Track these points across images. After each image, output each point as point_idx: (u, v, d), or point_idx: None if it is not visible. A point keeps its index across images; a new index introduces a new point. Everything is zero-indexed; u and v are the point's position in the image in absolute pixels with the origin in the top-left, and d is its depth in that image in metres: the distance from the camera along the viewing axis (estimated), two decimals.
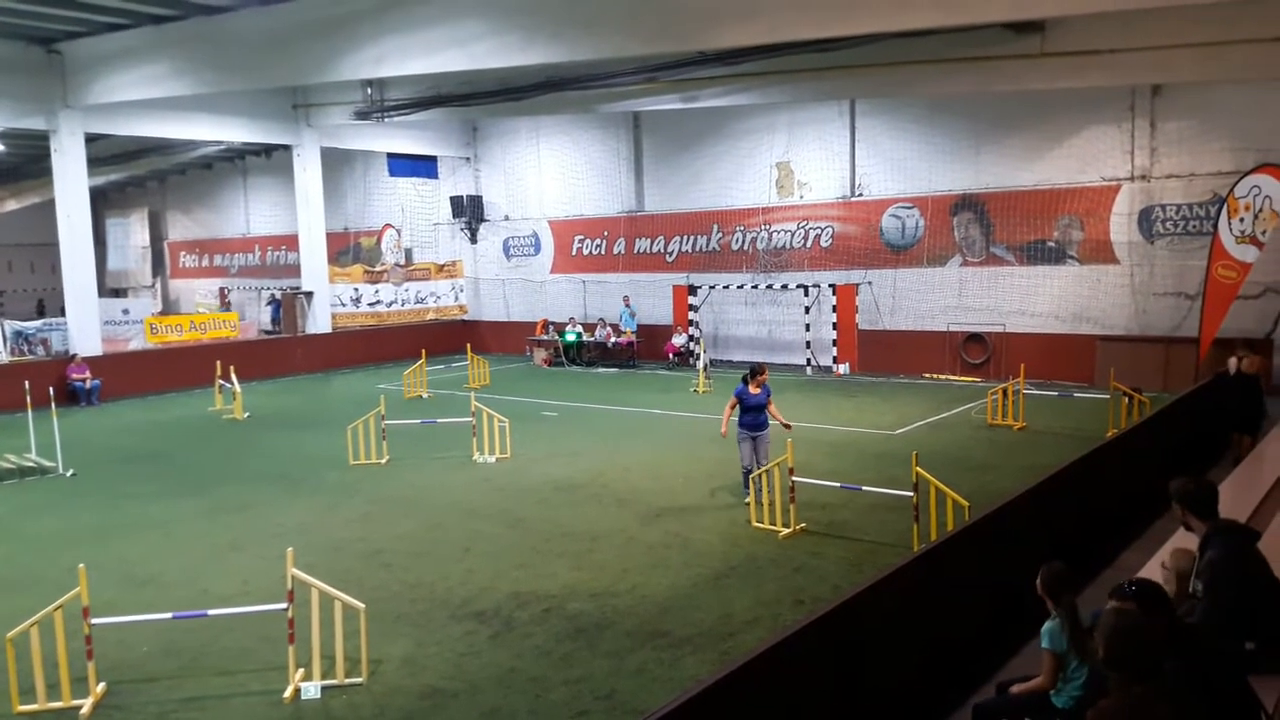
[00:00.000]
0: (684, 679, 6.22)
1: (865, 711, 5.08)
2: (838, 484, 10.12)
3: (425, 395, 19.19)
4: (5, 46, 18.74)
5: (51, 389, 14.16)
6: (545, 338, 24.74)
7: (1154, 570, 5.61)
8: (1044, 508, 7.28)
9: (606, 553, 9.17)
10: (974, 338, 19.50)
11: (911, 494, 8.87)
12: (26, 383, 13.93)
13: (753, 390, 10.33)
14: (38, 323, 21.22)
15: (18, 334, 20.46)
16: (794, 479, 9.57)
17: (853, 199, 20.95)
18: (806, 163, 21.47)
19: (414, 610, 7.87)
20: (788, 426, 10.43)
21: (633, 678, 6.53)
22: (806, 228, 21.64)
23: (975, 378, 19.02)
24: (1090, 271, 18.30)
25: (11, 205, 33.90)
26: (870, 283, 20.67)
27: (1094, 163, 18.06)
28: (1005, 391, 14.67)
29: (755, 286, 21.87)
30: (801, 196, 21.66)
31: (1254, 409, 11.81)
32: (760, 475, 9.88)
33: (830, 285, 20.72)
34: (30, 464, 13.39)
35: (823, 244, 21.43)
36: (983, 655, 6.13)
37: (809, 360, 20.98)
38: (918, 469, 8.77)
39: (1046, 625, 4.75)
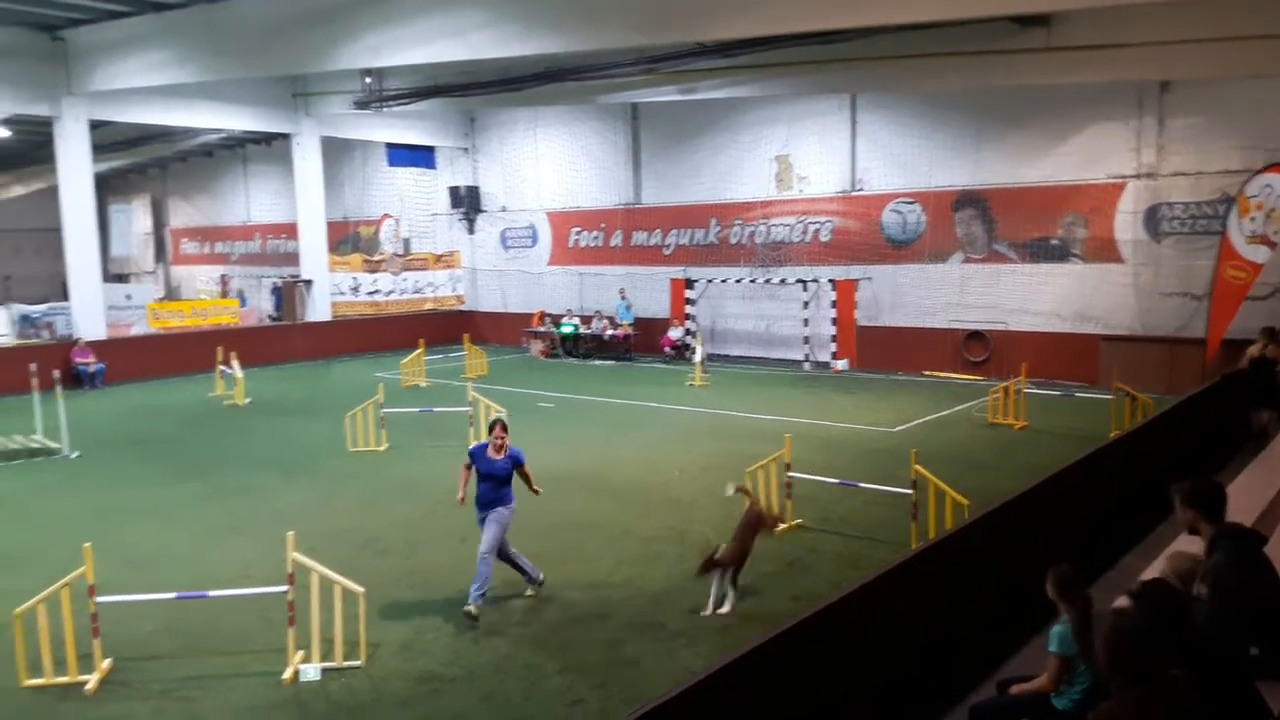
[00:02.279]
0: (678, 671, 6.26)
1: (859, 708, 5.10)
2: (835, 480, 10.08)
3: (423, 384, 19.22)
4: (10, 34, 18.76)
5: (57, 372, 14.18)
6: (542, 329, 24.75)
7: (1156, 574, 5.61)
8: (1045, 508, 7.26)
9: (601, 544, 9.22)
10: (975, 335, 19.52)
11: (910, 491, 8.87)
12: (33, 365, 13.97)
13: (492, 454, 7.68)
14: (43, 306, 21.27)
15: (24, 317, 20.53)
16: (790, 474, 9.59)
17: (853, 193, 20.95)
18: (806, 156, 21.46)
19: (411, 596, 7.93)
20: (536, 492, 8.12)
21: (627, 668, 6.58)
22: (806, 222, 21.64)
23: (976, 376, 19.02)
24: (1094, 270, 18.29)
25: (18, 190, 33.90)
26: (870, 278, 20.67)
27: (1099, 160, 18.02)
28: (1006, 390, 14.66)
29: (753, 281, 21.87)
30: (801, 190, 21.65)
31: (1273, 391, 11.97)
32: (755, 470, 9.77)
33: (829, 280, 20.74)
34: (36, 445, 13.48)
35: (822, 239, 21.43)
36: (980, 655, 6.14)
37: (807, 356, 20.99)
38: (916, 466, 8.78)
39: (1056, 628, 4.72)
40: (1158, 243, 17.70)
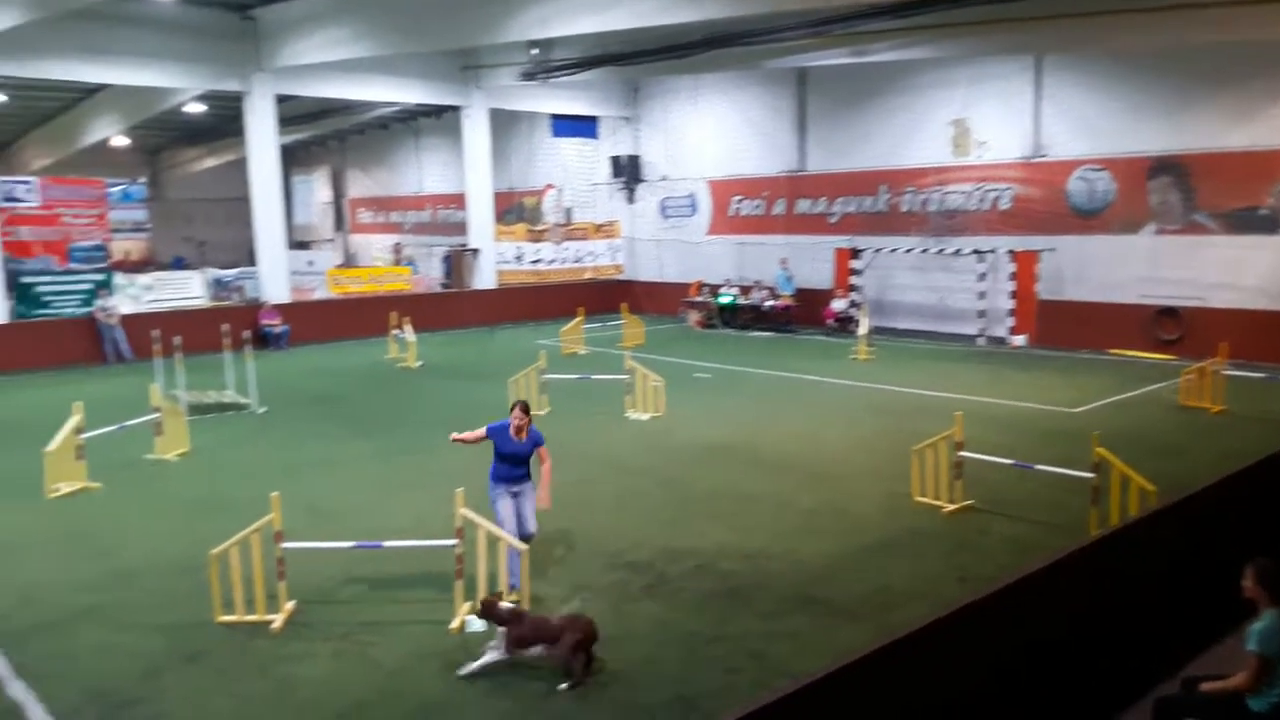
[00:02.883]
0: (839, 647, 6.05)
1: (1032, 697, 4.84)
2: (1009, 461, 9.51)
3: (582, 352, 19.55)
4: (206, 14, 20.12)
5: (247, 333, 15.27)
6: (700, 299, 24.65)
7: None
8: (1244, 498, 6.68)
9: (759, 516, 9.08)
10: (1168, 312, 18.00)
11: (1091, 475, 8.29)
12: (225, 326, 15.08)
13: (515, 435, 7.34)
14: (234, 271, 22.90)
15: (217, 281, 22.17)
16: (960, 454, 9.14)
17: (1036, 160, 19.66)
18: (986, 120, 20.27)
19: (570, 556, 8.07)
20: (540, 500, 7.48)
21: (786, 641, 6.46)
22: (984, 189, 20.50)
23: (1167, 355, 17.55)
24: None
25: (211, 162, 36.64)
26: (1054, 249, 19.37)
27: None
28: (1202, 371, 13.47)
29: (925, 251, 20.95)
30: (980, 156, 20.50)
31: None
32: (923, 449, 9.41)
33: (1009, 251, 19.60)
34: (228, 400, 14.52)
35: (1001, 207, 20.25)
36: (1166, 649, 5.72)
37: (981, 331, 19.99)
38: (1099, 449, 8.19)
39: (1257, 625, 4.34)
40: None
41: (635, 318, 21.60)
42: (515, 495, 7.41)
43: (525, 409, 7.41)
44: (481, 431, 7.42)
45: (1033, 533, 8.47)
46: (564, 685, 5.85)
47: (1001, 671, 4.64)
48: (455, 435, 7.65)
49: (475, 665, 6.02)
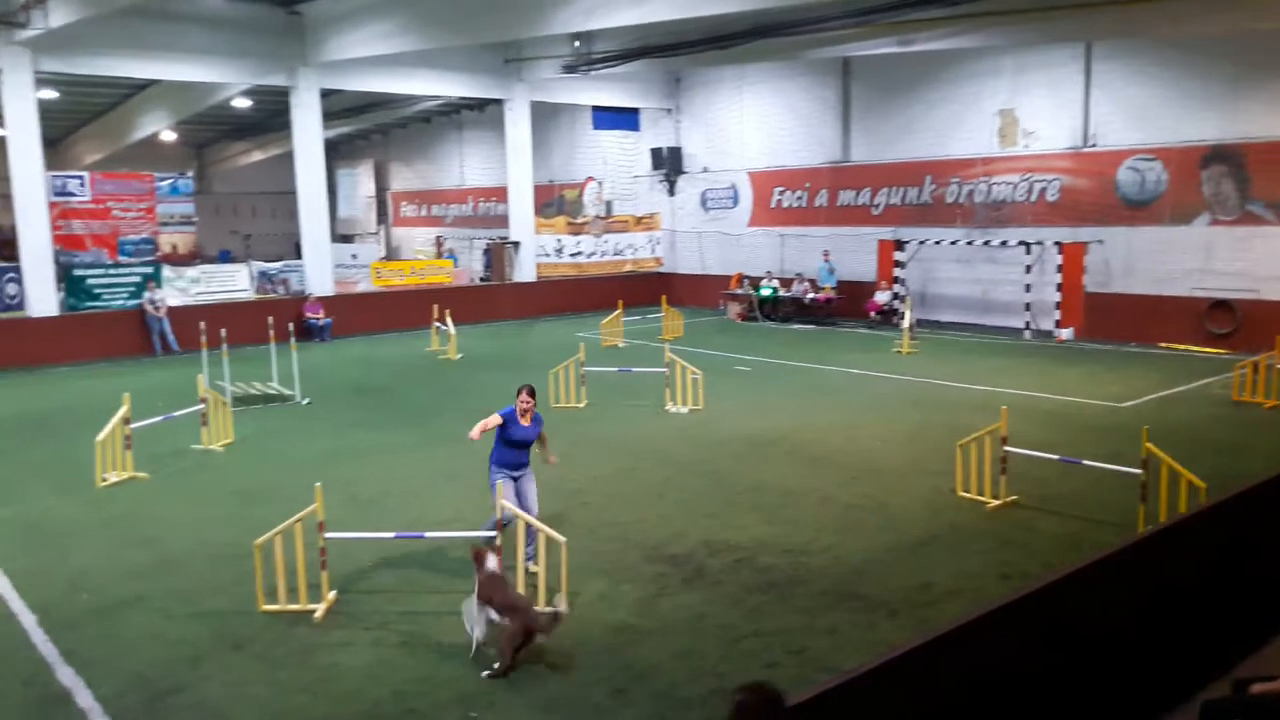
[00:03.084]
0: (879, 643, 6.01)
1: (1074, 697, 4.74)
2: (1055, 456, 9.34)
3: (621, 345, 19.54)
4: (253, 9, 20.38)
5: (291, 325, 15.43)
6: (740, 292, 24.52)
7: None
8: None
9: (799, 510, 9.01)
10: (1220, 305, 17.54)
11: (1139, 471, 8.11)
12: (270, 318, 15.29)
13: (521, 420, 7.55)
14: (279, 264, 23.21)
15: (263, 274, 22.49)
16: (1006, 449, 8.99)
17: (1085, 150, 19.24)
18: (1033, 110, 19.89)
19: (610, 548, 8.06)
20: (550, 461, 7.99)
21: (825, 636, 6.41)
22: (1031, 180, 20.12)
23: (1219, 349, 17.15)
24: None
25: (257, 156, 37.14)
26: (1101, 241, 18.97)
27: None
28: (1256, 365, 13.11)
29: (970, 243, 20.62)
30: (1026, 146, 20.12)
31: None
32: (968, 444, 9.26)
33: (1056, 243, 19.22)
34: (273, 392, 14.73)
35: (1049, 198, 19.86)
36: (1215, 650, 5.57)
37: (1027, 324, 19.66)
38: (1148, 444, 8.01)
39: None
40: None
41: (675, 310, 21.54)
42: (516, 480, 7.55)
43: (531, 392, 7.59)
44: (497, 416, 7.47)
45: (1078, 529, 8.32)
46: (485, 673, 5.95)
47: (1045, 670, 4.55)
48: (473, 433, 7.49)
49: (475, 632, 6.06)
